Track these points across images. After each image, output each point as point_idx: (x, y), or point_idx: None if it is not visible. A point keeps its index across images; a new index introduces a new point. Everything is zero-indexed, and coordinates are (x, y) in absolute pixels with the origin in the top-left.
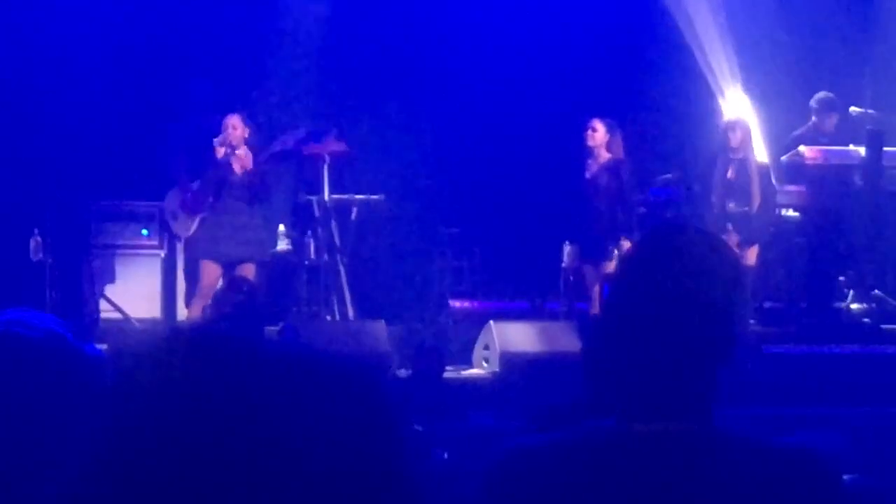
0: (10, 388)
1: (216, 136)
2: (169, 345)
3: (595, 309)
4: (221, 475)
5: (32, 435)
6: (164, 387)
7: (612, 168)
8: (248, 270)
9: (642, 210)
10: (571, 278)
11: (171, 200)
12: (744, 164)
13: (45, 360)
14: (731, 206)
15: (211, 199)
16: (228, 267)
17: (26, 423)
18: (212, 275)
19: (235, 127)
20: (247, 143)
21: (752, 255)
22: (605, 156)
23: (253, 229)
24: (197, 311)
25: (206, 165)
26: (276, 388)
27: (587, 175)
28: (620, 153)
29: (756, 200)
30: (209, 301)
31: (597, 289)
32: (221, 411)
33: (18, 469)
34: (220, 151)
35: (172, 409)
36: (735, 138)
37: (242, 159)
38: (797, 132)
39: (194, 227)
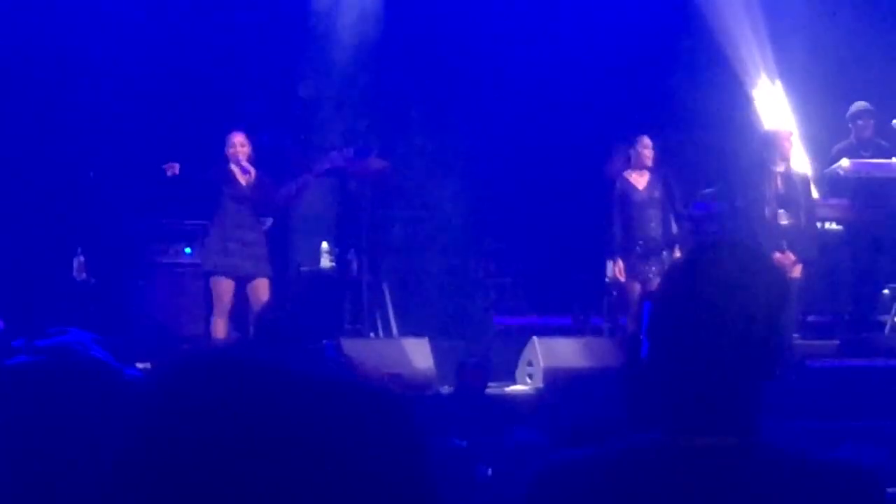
0: (52, 416)
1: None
2: (195, 370)
3: (633, 325)
4: (241, 497)
5: (73, 460)
6: (190, 408)
7: (663, 180)
8: (262, 286)
9: (687, 225)
10: (615, 293)
11: None
12: (788, 176)
13: (85, 389)
14: (784, 218)
15: (219, 217)
16: (241, 282)
17: (66, 450)
18: (226, 291)
19: (243, 144)
20: (250, 160)
21: (797, 269)
22: (651, 171)
23: (262, 245)
24: (221, 328)
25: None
26: (297, 413)
27: (639, 188)
28: (668, 166)
29: (805, 212)
30: (227, 317)
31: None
32: (243, 435)
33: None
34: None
35: (195, 430)
36: (785, 149)
37: (249, 175)
38: (839, 146)
39: None
